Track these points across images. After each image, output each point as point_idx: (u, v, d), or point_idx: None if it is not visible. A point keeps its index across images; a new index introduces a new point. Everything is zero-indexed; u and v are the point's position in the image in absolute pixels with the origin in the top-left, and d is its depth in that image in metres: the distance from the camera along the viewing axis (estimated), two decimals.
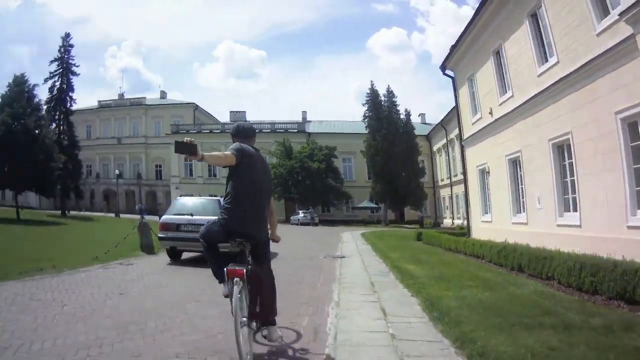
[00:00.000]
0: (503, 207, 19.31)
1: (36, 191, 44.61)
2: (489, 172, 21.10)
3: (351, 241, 25.50)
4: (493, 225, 20.53)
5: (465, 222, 45.85)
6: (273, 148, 63.90)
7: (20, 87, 41.24)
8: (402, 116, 61.66)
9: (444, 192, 62.15)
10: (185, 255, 15.69)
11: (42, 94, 61.01)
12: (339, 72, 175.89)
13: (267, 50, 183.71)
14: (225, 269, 5.06)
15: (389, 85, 68.03)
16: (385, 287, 9.68)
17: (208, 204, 16.04)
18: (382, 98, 61.70)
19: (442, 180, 62.81)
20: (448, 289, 9.13)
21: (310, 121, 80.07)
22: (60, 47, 61.50)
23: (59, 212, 57.50)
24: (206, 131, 76.66)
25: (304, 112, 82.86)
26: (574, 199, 13.78)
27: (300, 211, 56.80)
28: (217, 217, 5.66)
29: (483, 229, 21.55)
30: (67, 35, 61.72)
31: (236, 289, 4.84)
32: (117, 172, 70.35)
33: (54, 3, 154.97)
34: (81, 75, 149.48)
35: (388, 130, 58.59)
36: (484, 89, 20.96)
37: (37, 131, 40.49)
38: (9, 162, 37.12)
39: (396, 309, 7.49)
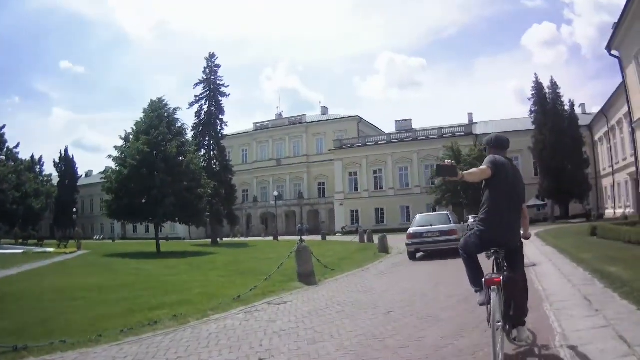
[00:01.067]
0: None
1: (180, 221, 43.43)
2: None
3: (529, 244, 24.55)
4: None
5: (627, 211, 46.14)
6: (441, 154, 66.96)
7: (158, 112, 40.68)
8: (566, 107, 64.31)
9: (606, 182, 65.21)
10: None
11: (190, 119, 63.66)
12: (497, 72, 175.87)
13: (426, 57, 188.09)
14: (483, 279, 5.75)
15: (552, 77, 72.81)
16: (603, 302, 8.46)
17: (440, 217, 24.88)
18: (547, 91, 64.56)
19: (604, 169, 65.84)
20: None
21: (476, 123, 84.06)
22: (205, 68, 63.65)
23: (209, 240, 60.02)
24: (371, 143, 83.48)
25: (470, 114, 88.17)
26: None
27: (470, 216, 55.70)
28: (472, 229, 6.51)
29: None
30: (212, 55, 63.97)
31: (494, 296, 5.42)
32: (275, 193, 79.73)
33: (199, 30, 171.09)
34: (236, 100, 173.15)
35: (554, 123, 61.48)
36: None
37: (180, 158, 39.62)
38: (147, 192, 36.76)
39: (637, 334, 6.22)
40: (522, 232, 6.33)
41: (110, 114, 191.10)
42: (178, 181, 37.87)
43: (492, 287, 5.44)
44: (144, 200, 36.67)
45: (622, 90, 46.57)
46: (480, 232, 5.99)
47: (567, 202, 65.13)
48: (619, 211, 54.99)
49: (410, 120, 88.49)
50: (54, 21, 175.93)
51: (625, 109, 47.26)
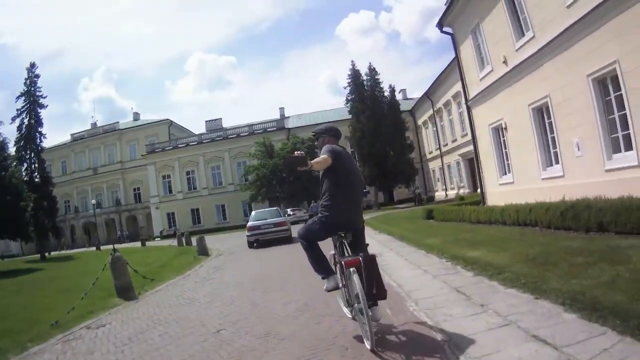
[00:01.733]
0: (528, 163, 18.73)
1: (8, 236, 41.81)
2: (506, 128, 20.58)
3: None
4: (515, 186, 20.14)
5: (461, 192, 47.07)
6: (253, 150, 68.73)
7: None
8: (386, 93, 63.04)
9: (434, 165, 66.88)
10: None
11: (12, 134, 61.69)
12: (309, 65, 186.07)
13: (237, 55, 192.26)
14: (342, 261, 5.94)
15: (370, 63, 69.37)
16: (484, 294, 7.29)
17: (272, 212, 29.04)
18: (364, 77, 62.43)
19: (431, 152, 67.34)
20: (577, 276, 6.99)
21: (288, 117, 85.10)
22: (26, 79, 57.69)
23: (39, 255, 55.16)
24: (182, 145, 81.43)
25: (282, 109, 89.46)
26: (626, 137, 12.92)
27: (289, 209, 57.66)
28: (313, 217, 6.56)
29: (501, 194, 21.27)
30: (33, 65, 58.57)
31: (355, 277, 5.59)
32: (93, 201, 76.53)
33: (23, 42, 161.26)
34: (57, 112, 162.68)
35: (373, 110, 59.98)
36: (493, 38, 20.30)
37: (3, 172, 38.45)
38: None
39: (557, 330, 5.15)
40: None
41: None
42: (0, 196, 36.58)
43: (352, 268, 5.64)
44: None
45: (449, 73, 49.86)
46: (325, 217, 6.18)
47: (392, 188, 65.47)
48: (451, 192, 56.24)
49: (221, 119, 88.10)
50: None
51: (452, 90, 50.73)
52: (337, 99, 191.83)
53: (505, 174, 21.31)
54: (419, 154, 70.36)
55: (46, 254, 54.70)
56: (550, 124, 16.70)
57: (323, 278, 6.36)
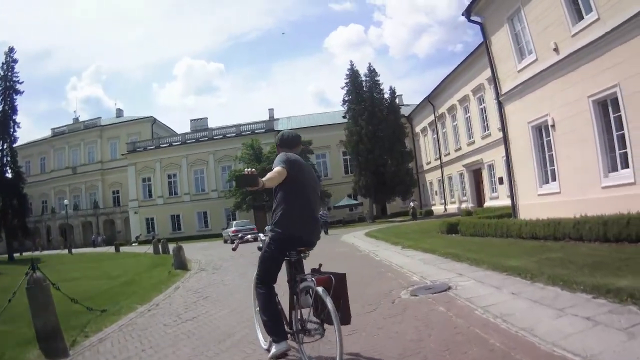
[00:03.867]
0: (583, 169, 15.99)
1: None
2: (553, 126, 17.72)
3: (382, 249, 20.14)
4: (563, 197, 17.21)
5: (464, 206, 47.38)
6: (239, 153, 63.64)
7: None
8: (386, 95, 59.30)
9: (431, 176, 61.94)
10: None
11: None
12: (297, 76, 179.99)
13: (225, 62, 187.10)
14: (313, 279, 5.14)
15: (370, 64, 63.95)
16: None
17: (246, 223, 48.59)
18: (363, 78, 59.08)
19: (429, 163, 62.49)
20: None
21: (278, 119, 79.58)
22: (3, 64, 54.95)
23: (6, 256, 52.31)
24: (165, 145, 76.57)
25: (271, 110, 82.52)
26: None
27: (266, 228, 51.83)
28: (264, 239, 5.99)
29: (541, 206, 18.03)
30: (11, 49, 55.97)
31: (329, 300, 4.84)
32: (66, 202, 71.53)
33: (14, 40, 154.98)
34: (43, 110, 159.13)
35: (372, 112, 56.21)
36: (540, 24, 17.98)
37: None
38: None
39: None
40: None
41: None
42: None
43: (322, 288, 4.93)
44: None
45: (455, 76, 47.22)
46: (280, 233, 5.57)
47: (388, 200, 60.94)
48: (451, 207, 52.45)
49: (207, 119, 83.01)
50: None
51: (459, 94, 47.04)
52: (324, 110, 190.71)
53: (547, 182, 18.57)
54: (415, 164, 64.60)
55: (16, 255, 52.56)
56: (619, 118, 14.08)
57: (274, 341, 5.50)
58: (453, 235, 21.51)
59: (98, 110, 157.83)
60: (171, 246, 27.97)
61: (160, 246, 34.95)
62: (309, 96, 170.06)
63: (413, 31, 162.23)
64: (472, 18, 22.08)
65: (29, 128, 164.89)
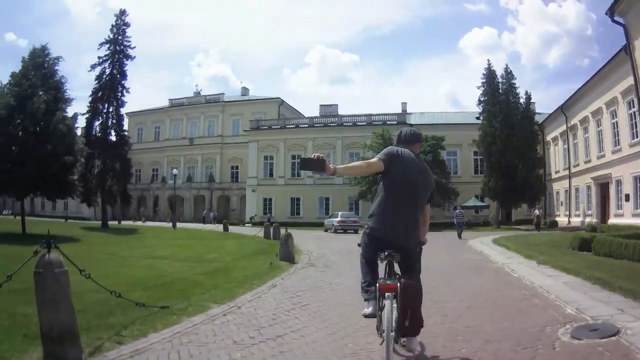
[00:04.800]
0: None
1: (45, 194, 36.24)
2: None
3: (516, 262, 18.00)
4: None
5: (587, 220, 45.48)
6: (369, 141, 61.20)
7: (38, 60, 34.28)
8: (521, 100, 57.74)
9: (558, 186, 59.42)
10: None
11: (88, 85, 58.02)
12: (430, 74, 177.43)
13: (360, 54, 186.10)
14: (377, 284, 5.27)
15: (507, 65, 63.66)
16: None
17: (351, 215, 51.68)
18: (500, 80, 57.57)
19: (557, 172, 59.84)
20: None
21: (410, 113, 76.47)
22: (113, 26, 54.98)
23: (100, 222, 52.32)
24: (291, 126, 75.28)
25: (404, 104, 79.87)
26: None
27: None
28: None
29: None
30: (123, 12, 55.68)
31: (388, 304, 5.00)
32: (175, 171, 63.49)
33: (134, 11, 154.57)
34: (164, 87, 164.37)
35: (507, 116, 54.97)
36: None
37: (49, 117, 32.19)
38: (6, 157, 30.48)
39: None
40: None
41: None
42: (40, 143, 31.06)
43: (387, 294, 5.04)
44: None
45: (589, 88, 45.37)
46: (370, 229, 5.57)
47: (513, 206, 59.45)
48: (575, 220, 50.29)
49: (337, 105, 79.98)
50: None
51: (592, 107, 45.11)
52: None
53: None
54: (544, 172, 61.05)
55: (112, 223, 52.59)
56: None
57: (365, 300, 5.59)
58: (584, 252, 19.82)
59: (224, 89, 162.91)
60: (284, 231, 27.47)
61: (272, 230, 32.42)
62: (441, 97, 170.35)
63: (543, 41, 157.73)
64: (615, 18, 21.87)
65: (148, 98, 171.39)
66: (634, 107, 35.69)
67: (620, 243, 17.18)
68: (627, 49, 21.81)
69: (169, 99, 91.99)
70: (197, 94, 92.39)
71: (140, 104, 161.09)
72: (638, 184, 36.48)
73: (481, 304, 9.84)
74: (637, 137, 36.28)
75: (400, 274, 5.54)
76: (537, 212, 50.58)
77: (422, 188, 5.66)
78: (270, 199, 72.58)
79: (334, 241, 32.43)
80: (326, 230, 47.84)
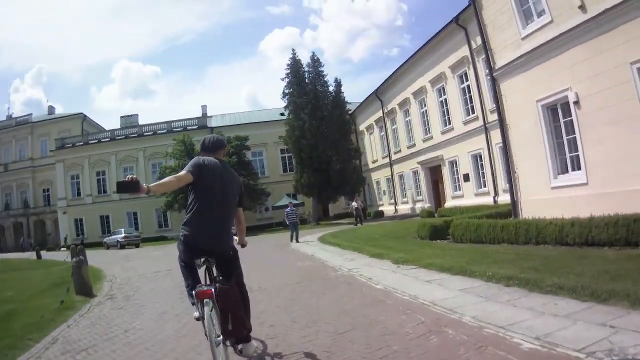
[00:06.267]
0: (624, 152, 12.78)
1: None
2: (577, 103, 14.18)
3: (363, 264, 14.25)
4: (592, 189, 13.88)
5: (419, 205, 43.57)
6: (170, 150, 56.81)
7: None
8: (331, 88, 53.36)
9: (379, 175, 55.73)
10: None
11: None
12: (232, 78, 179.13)
13: (161, 65, 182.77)
14: (193, 292, 5.22)
15: (314, 53, 61.65)
16: None
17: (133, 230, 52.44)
18: (306, 69, 52.94)
19: (375, 161, 56.28)
20: None
21: (211, 116, 72.96)
22: None
23: None
24: (94, 141, 69.27)
25: (204, 107, 75.63)
26: None
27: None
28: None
29: (555, 201, 15.04)
30: None
31: (207, 310, 4.95)
32: None
33: None
34: None
35: (316, 106, 50.39)
36: None
37: None
38: None
39: None
40: (236, 239, 6.14)
41: None
42: None
43: (205, 300, 5.00)
44: None
45: (408, 68, 42.92)
46: (184, 237, 5.48)
47: (331, 200, 54.52)
48: (403, 207, 47.83)
49: (137, 115, 75.60)
50: None
51: (413, 86, 42.31)
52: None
53: (566, 172, 15.18)
54: (359, 163, 58.34)
55: None
56: None
57: (193, 304, 5.41)
58: (438, 241, 17.30)
59: (38, 112, 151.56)
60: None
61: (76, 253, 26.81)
62: (242, 99, 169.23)
63: (348, 35, 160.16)
64: None
65: None
66: (466, 80, 34.04)
67: (482, 225, 15.37)
68: (475, 10, 19.34)
69: None
70: (9, 117, 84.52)
71: None
72: (478, 162, 34.20)
73: None
74: (472, 112, 33.99)
75: (221, 278, 5.55)
76: (354, 204, 44.43)
77: (229, 193, 5.66)
78: (81, 219, 66.83)
79: (143, 260, 28.15)
80: (108, 248, 48.49)
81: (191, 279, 5.46)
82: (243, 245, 6.12)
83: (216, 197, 5.44)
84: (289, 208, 30.61)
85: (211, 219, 5.38)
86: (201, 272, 5.55)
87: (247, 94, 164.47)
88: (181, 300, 10.49)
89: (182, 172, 5.37)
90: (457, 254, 13.07)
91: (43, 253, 43.94)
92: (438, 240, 17.29)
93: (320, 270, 14.27)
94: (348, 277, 12.20)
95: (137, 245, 47.72)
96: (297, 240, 27.29)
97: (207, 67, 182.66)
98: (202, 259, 5.45)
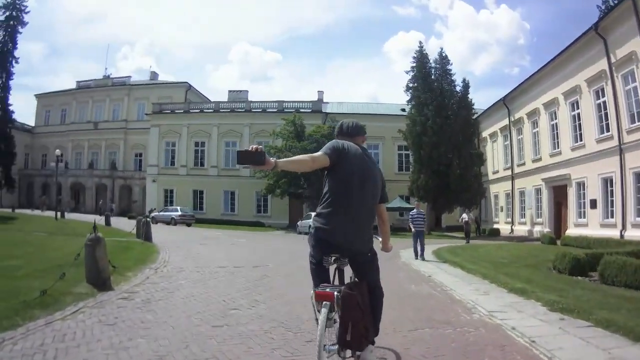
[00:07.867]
0: None
1: None
2: None
3: (532, 321, 8.02)
4: None
5: (537, 229, 38.78)
6: (279, 128, 51.54)
7: None
8: (458, 87, 48.19)
9: (498, 188, 49.85)
10: None
11: None
12: (352, 76, 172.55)
13: (283, 52, 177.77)
14: (313, 291, 4.43)
15: (442, 49, 54.38)
16: None
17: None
18: (433, 65, 48.03)
19: (496, 172, 50.48)
20: None
21: (327, 102, 66.07)
22: None
23: None
24: (196, 110, 64.65)
25: (320, 92, 68.13)
26: None
27: (313, 214, 38.40)
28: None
29: None
30: None
31: (323, 313, 4.13)
32: (57, 152, 49.29)
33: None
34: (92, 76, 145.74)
35: (441, 104, 45.83)
36: None
37: None
38: None
39: None
40: (380, 240, 5.17)
41: None
42: None
43: (324, 302, 4.16)
44: None
45: (540, 78, 39.03)
46: (316, 229, 4.59)
47: (446, 209, 48.13)
48: (520, 228, 42.42)
49: (247, 92, 70.05)
50: None
51: (544, 97, 38.23)
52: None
53: None
54: (480, 171, 51.05)
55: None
56: None
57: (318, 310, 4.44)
58: (579, 278, 13.64)
59: (140, 77, 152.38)
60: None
61: (143, 228, 23.45)
62: (362, 98, 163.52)
63: (470, 47, 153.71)
64: None
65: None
66: (603, 96, 30.09)
67: None
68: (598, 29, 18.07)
69: (77, 81, 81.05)
70: (107, 77, 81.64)
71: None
72: (607, 188, 29.54)
73: None
74: (606, 130, 29.69)
75: (357, 280, 4.72)
76: (466, 217, 37.18)
77: (372, 185, 4.74)
78: (172, 190, 62.13)
79: (218, 246, 24.21)
80: (156, 223, 41.93)
81: (318, 279, 4.56)
82: (386, 250, 5.12)
83: (356, 187, 4.53)
84: (414, 210, 22.06)
85: (349, 213, 4.47)
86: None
87: (368, 92, 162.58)
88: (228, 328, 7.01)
89: (319, 153, 4.47)
90: (627, 304, 8.76)
91: (123, 220, 41.90)
92: (579, 277, 13.75)
93: (445, 306, 9.53)
94: (492, 330, 7.40)
95: (188, 225, 47.13)
96: (422, 257, 19.97)
97: (329, 61, 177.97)
98: (333, 257, 4.50)
